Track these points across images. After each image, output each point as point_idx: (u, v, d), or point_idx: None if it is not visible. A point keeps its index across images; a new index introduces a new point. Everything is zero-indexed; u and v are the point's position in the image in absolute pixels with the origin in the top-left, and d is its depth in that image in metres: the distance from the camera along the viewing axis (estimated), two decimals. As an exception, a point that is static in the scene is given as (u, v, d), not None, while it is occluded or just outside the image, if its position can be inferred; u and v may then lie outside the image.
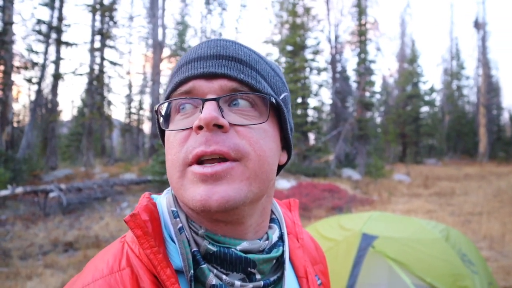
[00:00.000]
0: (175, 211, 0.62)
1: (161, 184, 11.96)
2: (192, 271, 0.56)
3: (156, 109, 0.61)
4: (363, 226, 3.18)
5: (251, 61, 0.62)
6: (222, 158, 0.55)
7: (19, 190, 9.07)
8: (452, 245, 3.08)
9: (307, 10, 21.81)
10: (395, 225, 3.31)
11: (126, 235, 0.62)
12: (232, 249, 0.58)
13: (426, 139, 34.64)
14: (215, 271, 0.57)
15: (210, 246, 0.57)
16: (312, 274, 0.71)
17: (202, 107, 0.56)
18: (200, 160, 0.55)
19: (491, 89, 35.35)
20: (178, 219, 0.61)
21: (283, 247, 0.66)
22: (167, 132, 0.61)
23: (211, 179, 0.54)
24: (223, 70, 0.58)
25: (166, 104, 0.61)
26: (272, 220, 0.70)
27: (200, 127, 0.55)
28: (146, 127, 34.27)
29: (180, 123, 0.59)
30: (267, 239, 0.64)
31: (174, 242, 0.59)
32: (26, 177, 13.62)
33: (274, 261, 0.63)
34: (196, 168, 0.55)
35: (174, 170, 0.57)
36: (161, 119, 0.61)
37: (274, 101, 0.61)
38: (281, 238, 0.68)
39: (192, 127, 0.56)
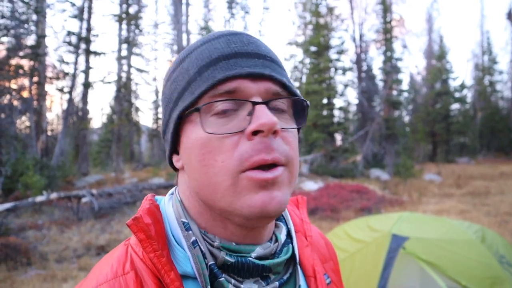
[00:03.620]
0: (187, 222, 0.59)
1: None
2: (209, 287, 0.54)
3: (199, 108, 0.54)
4: (393, 227, 3.10)
5: (280, 61, 0.61)
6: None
7: (54, 195, 9.41)
8: (488, 247, 2.95)
9: (330, 10, 21.62)
10: (427, 226, 3.21)
11: (130, 238, 0.61)
12: (249, 258, 0.57)
13: (457, 137, 33.44)
14: (232, 281, 0.56)
15: (227, 258, 0.56)
16: (320, 273, 0.68)
17: (253, 111, 0.53)
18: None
19: (526, 83, 33.82)
20: (190, 231, 0.58)
21: (292, 244, 0.65)
22: (202, 136, 0.54)
23: (270, 184, 0.52)
24: (268, 71, 0.56)
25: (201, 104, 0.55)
26: (277, 218, 0.68)
27: (255, 133, 0.52)
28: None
29: (221, 126, 0.54)
30: (276, 240, 0.63)
31: (184, 249, 0.57)
32: (60, 183, 14.12)
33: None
34: (256, 174, 0.52)
35: (223, 178, 0.53)
36: (201, 121, 0.54)
37: (307, 104, 0.60)
38: (288, 235, 0.66)
39: (240, 131, 0.53)
